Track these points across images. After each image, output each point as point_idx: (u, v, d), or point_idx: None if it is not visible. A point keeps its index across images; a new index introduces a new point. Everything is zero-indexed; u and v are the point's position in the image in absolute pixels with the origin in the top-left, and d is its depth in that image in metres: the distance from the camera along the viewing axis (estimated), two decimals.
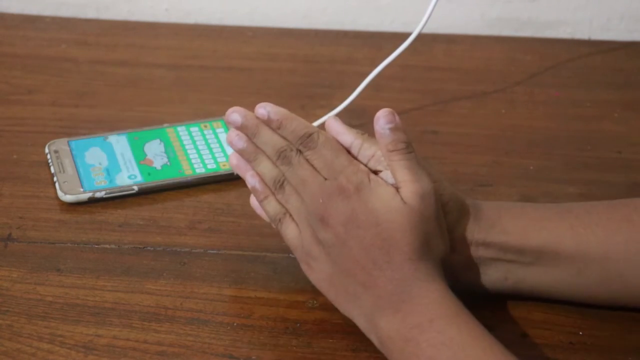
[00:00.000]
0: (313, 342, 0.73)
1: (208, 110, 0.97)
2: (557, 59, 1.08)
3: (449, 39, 1.11)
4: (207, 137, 0.92)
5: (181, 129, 0.93)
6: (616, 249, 0.72)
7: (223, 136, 0.92)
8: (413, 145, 0.70)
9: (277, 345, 0.72)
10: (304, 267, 0.72)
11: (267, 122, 0.73)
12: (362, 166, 0.70)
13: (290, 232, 0.72)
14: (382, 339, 0.68)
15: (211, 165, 0.89)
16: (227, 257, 0.80)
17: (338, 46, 1.09)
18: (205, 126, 0.94)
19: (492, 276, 0.74)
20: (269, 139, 0.72)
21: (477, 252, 0.73)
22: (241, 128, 0.73)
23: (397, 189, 0.69)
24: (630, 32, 1.13)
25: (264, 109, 0.73)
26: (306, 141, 0.71)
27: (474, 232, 0.72)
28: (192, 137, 0.92)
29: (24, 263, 0.79)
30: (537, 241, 0.72)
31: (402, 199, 0.68)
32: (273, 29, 1.12)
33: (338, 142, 0.71)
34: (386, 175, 0.70)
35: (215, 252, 0.81)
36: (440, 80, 1.04)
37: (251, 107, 0.98)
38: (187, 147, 0.91)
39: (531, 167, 0.91)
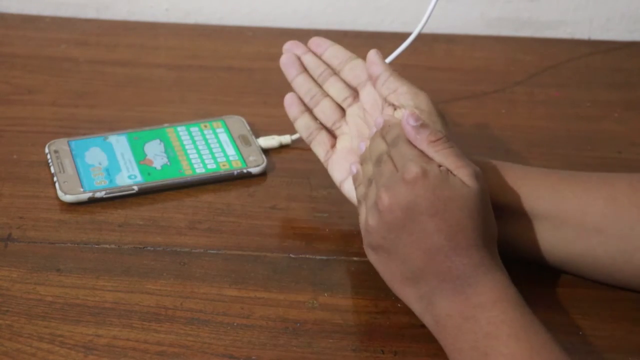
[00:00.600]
0: (313, 342, 0.73)
1: (208, 110, 0.97)
2: (557, 59, 1.08)
3: (449, 39, 1.11)
4: (207, 137, 0.92)
5: (181, 129, 0.93)
6: (595, 204, 0.73)
7: (223, 136, 0.92)
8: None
9: (277, 345, 0.72)
10: (367, 250, 0.74)
11: (381, 130, 0.76)
12: (431, 159, 0.71)
13: (362, 216, 0.74)
14: (439, 317, 0.69)
15: (211, 165, 0.89)
16: (227, 257, 0.80)
17: None
18: (205, 126, 0.94)
19: None
20: (377, 146, 0.75)
21: None
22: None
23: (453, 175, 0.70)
24: (630, 32, 1.13)
25: (380, 118, 0.77)
26: (394, 141, 0.73)
27: None
28: (192, 137, 0.92)
29: (24, 263, 0.79)
30: (514, 197, 0.74)
31: (464, 184, 0.69)
32: (273, 29, 1.12)
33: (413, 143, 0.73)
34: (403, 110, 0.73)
35: (215, 252, 0.81)
36: (440, 80, 1.04)
37: (251, 107, 0.98)
38: (187, 147, 0.91)
39: None
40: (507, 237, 0.75)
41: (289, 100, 0.84)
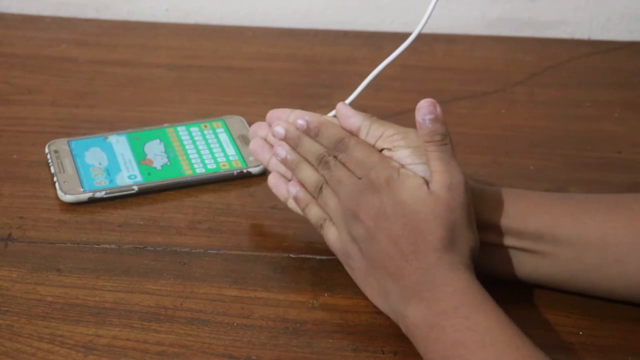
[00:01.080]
0: (313, 342, 0.73)
1: (208, 110, 0.97)
2: (557, 59, 1.08)
3: (449, 39, 1.11)
4: (207, 137, 0.92)
5: (181, 129, 0.93)
6: (615, 234, 0.72)
7: (223, 136, 0.92)
8: (451, 137, 0.72)
9: (277, 345, 0.72)
10: (346, 268, 0.75)
11: (306, 131, 0.77)
12: (393, 162, 0.72)
13: (331, 235, 0.75)
14: (409, 327, 0.68)
15: (211, 165, 0.89)
16: (227, 257, 0.80)
17: (338, 46, 1.09)
18: (205, 126, 0.94)
19: (492, 261, 0.75)
20: (310, 147, 0.76)
21: (480, 235, 0.73)
22: (285, 139, 0.78)
23: (427, 180, 0.71)
24: (630, 32, 1.13)
25: (302, 120, 0.77)
26: (339, 145, 0.74)
27: (480, 213, 0.73)
28: (192, 137, 0.92)
29: (24, 263, 0.79)
30: (537, 225, 0.73)
31: (428, 189, 0.70)
32: (273, 29, 1.12)
33: (368, 143, 0.74)
34: (400, 154, 0.73)
35: (215, 252, 0.81)
36: (440, 80, 1.04)
37: (251, 107, 0.98)
38: (187, 147, 0.91)
39: (531, 167, 0.91)
40: (525, 265, 0.74)
41: (274, 183, 0.80)
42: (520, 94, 1.02)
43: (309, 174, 0.76)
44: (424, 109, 0.72)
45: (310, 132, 0.77)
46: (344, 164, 0.74)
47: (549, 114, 0.99)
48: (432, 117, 0.72)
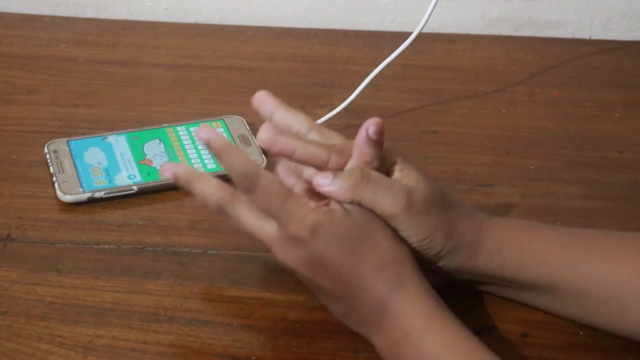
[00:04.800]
0: (313, 342, 0.72)
1: (208, 110, 0.97)
2: (557, 58, 1.08)
3: (449, 38, 1.11)
4: None
5: (181, 129, 0.93)
6: (620, 287, 0.70)
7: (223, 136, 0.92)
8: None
9: (277, 346, 0.72)
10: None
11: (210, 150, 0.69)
12: (310, 203, 0.68)
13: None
14: (380, 353, 0.68)
15: (211, 166, 0.89)
16: (227, 257, 0.80)
17: (338, 46, 1.09)
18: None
19: (484, 288, 0.75)
20: (226, 168, 0.69)
21: (471, 277, 0.73)
22: (207, 145, 0.69)
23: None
24: (631, 31, 1.13)
25: (205, 134, 0.68)
26: (245, 182, 0.67)
27: (473, 266, 0.72)
28: (192, 137, 0.92)
29: (23, 263, 0.79)
30: (535, 276, 0.72)
31: (345, 212, 0.67)
32: (273, 29, 1.12)
33: (281, 183, 0.68)
34: None
35: (215, 252, 0.81)
36: (440, 80, 1.04)
37: (251, 107, 0.97)
38: (186, 147, 0.91)
39: (531, 167, 0.91)
40: (528, 302, 0.74)
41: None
42: (520, 94, 1.02)
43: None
44: (373, 125, 0.69)
45: (214, 153, 0.68)
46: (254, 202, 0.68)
47: (550, 113, 0.99)
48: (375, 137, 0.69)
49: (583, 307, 0.72)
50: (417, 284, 0.67)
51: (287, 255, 0.68)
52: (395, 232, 0.69)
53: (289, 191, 0.68)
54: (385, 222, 0.69)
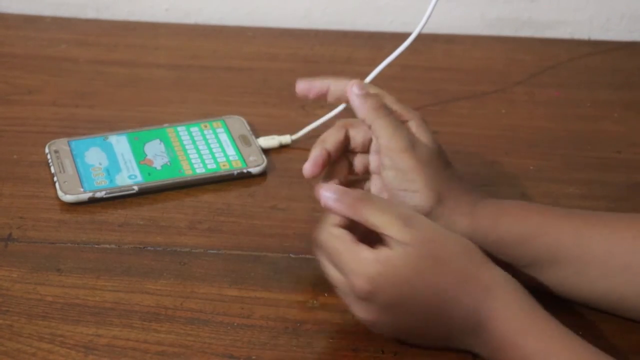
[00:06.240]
0: (313, 342, 0.73)
1: (208, 110, 0.97)
2: (557, 59, 1.08)
3: (449, 39, 1.11)
4: (207, 137, 0.92)
5: (181, 129, 0.93)
6: (621, 244, 0.71)
7: (223, 136, 0.92)
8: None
9: (277, 345, 0.72)
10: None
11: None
12: (367, 255, 0.67)
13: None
14: (480, 354, 0.69)
15: (211, 165, 0.89)
16: (227, 257, 0.80)
17: (338, 46, 1.09)
18: (205, 126, 0.94)
19: None
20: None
21: None
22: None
23: (386, 235, 0.67)
24: (630, 32, 1.13)
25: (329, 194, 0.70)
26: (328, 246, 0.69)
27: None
28: (192, 137, 0.92)
29: (24, 263, 0.79)
30: (536, 248, 0.72)
31: (403, 249, 0.66)
32: (273, 29, 1.12)
33: (338, 237, 0.68)
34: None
35: (215, 252, 0.81)
36: (440, 80, 1.04)
37: (251, 106, 0.98)
38: (187, 147, 0.91)
39: (531, 167, 0.91)
40: (525, 279, 0.73)
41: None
42: (520, 94, 1.02)
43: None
44: (355, 85, 0.72)
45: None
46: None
47: (549, 114, 0.99)
48: (365, 91, 0.71)
49: (585, 275, 0.72)
50: (504, 286, 0.68)
51: (361, 312, 0.68)
52: (464, 242, 0.69)
53: (345, 245, 0.67)
54: (449, 236, 0.69)
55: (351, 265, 0.67)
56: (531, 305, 0.67)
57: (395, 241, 0.66)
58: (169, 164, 0.89)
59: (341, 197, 0.69)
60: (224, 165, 0.89)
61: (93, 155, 0.90)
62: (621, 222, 0.73)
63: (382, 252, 0.66)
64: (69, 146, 0.90)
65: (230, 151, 0.91)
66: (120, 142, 0.91)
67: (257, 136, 0.93)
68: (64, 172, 0.87)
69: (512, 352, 0.66)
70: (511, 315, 0.67)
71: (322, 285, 0.77)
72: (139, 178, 0.87)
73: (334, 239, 0.68)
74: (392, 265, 0.66)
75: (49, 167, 0.88)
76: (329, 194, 0.69)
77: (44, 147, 0.90)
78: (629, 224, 0.72)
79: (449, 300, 0.67)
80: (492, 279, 0.68)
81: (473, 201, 0.74)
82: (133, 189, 0.86)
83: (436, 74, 1.05)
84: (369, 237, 0.68)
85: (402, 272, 0.66)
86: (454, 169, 0.76)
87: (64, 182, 0.86)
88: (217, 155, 0.90)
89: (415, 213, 0.69)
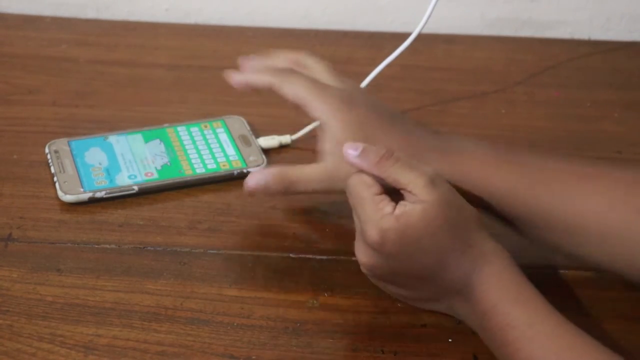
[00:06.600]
0: (313, 342, 0.73)
1: (208, 110, 0.97)
2: (557, 59, 1.08)
3: (449, 39, 1.11)
4: (207, 137, 0.92)
5: (181, 129, 0.93)
6: (615, 210, 0.72)
7: (223, 136, 0.92)
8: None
9: (277, 345, 0.72)
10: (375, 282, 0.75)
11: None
12: (387, 208, 0.68)
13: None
14: (470, 326, 0.71)
15: (211, 165, 0.89)
16: (227, 257, 0.80)
17: (338, 46, 1.09)
18: (205, 126, 0.94)
19: None
20: None
21: None
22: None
23: (408, 192, 0.69)
24: (630, 32, 1.13)
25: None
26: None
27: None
28: (192, 137, 0.92)
29: (24, 263, 0.79)
30: (525, 210, 0.73)
31: (422, 206, 0.68)
32: (273, 29, 1.12)
33: (364, 184, 0.70)
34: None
35: (215, 252, 0.81)
36: (440, 80, 1.04)
37: (251, 107, 0.98)
38: (187, 147, 0.91)
39: None
40: (519, 245, 0.74)
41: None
42: (520, 94, 1.02)
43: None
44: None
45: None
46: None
47: (549, 114, 0.99)
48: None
49: (583, 246, 0.72)
50: (499, 257, 0.69)
51: (369, 258, 0.70)
52: (473, 211, 0.71)
53: (371, 195, 0.69)
54: (463, 202, 0.71)
55: (370, 214, 0.68)
56: (521, 278, 0.69)
57: (416, 198, 0.68)
58: (168, 164, 0.89)
59: (366, 153, 0.70)
60: (224, 165, 0.89)
61: (93, 155, 0.90)
62: (613, 182, 0.73)
63: (400, 208, 0.68)
64: (69, 146, 0.90)
65: (230, 151, 0.91)
66: (120, 142, 0.91)
67: (257, 136, 0.93)
68: (64, 172, 0.87)
69: (496, 318, 0.67)
70: (500, 283, 0.68)
71: (322, 285, 0.77)
72: (139, 178, 0.87)
73: (363, 185, 0.70)
74: (406, 222, 0.68)
75: (49, 167, 0.88)
76: (352, 151, 0.70)
77: (44, 147, 0.90)
78: (621, 187, 0.72)
79: (448, 262, 0.69)
80: (490, 249, 0.70)
81: (439, 139, 0.76)
82: (133, 189, 0.86)
83: (436, 74, 1.05)
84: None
85: (415, 229, 0.68)
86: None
87: (64, 182, 0.86)
88: (217, 155, 0.90)
89: (437, 174, 0.70)
